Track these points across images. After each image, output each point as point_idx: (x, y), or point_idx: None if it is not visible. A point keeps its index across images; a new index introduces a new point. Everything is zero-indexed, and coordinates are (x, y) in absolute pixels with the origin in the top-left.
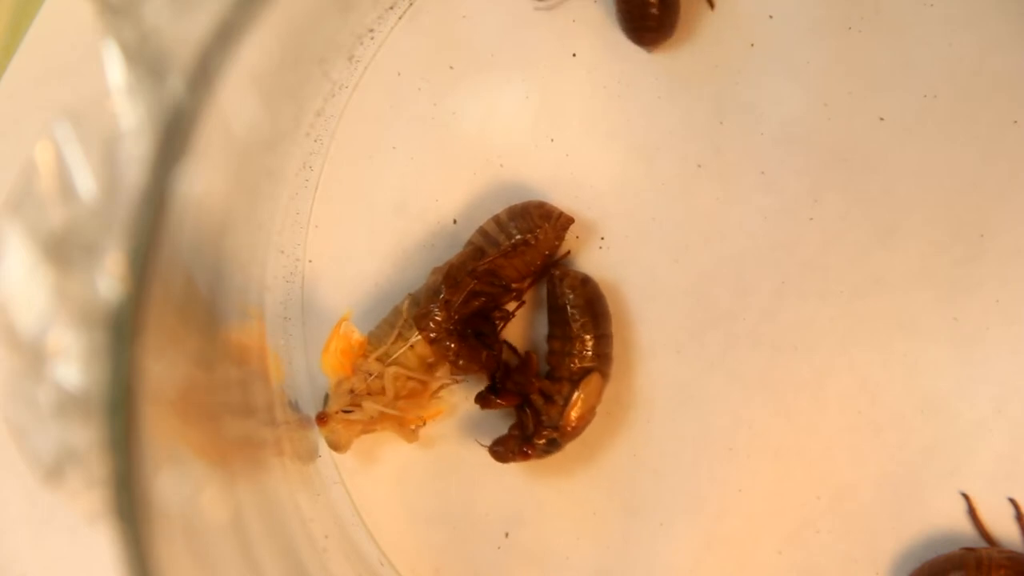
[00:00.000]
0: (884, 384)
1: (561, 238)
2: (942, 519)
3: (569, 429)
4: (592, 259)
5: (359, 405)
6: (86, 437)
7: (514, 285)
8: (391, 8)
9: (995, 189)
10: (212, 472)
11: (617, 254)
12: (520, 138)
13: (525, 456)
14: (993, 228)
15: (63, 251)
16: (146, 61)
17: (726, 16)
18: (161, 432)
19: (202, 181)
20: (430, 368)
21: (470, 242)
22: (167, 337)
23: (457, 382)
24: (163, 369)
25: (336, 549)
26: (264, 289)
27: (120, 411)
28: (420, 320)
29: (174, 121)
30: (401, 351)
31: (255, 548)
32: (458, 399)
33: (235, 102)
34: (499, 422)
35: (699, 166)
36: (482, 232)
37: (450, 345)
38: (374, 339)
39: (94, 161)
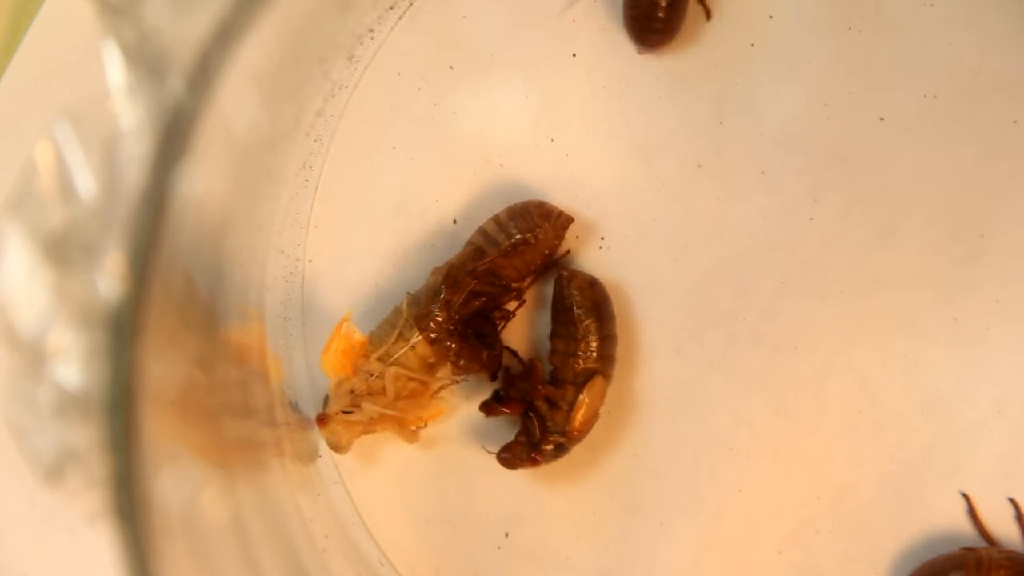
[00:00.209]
0: (884, 384)
1: (561, 237)
2: (942, 519)
3: (575, 434)
4: (592, 259)
5: (359, 406)
6: (86, 437)
7: (514, 285)
8: (391, 8)
9: (995, 189)
10: (212, 472)
11: (617, 254)
12: (520, 138)
13: (534, 463)
14: (993, 228)
15: (63, 251)
16: (146, 61)
17: (726, 16)
18: (161, 432)
19: (202, 181)
20: (431, 368)
21: (470, 242)
22: (167, 337)
23: (457, 382)
24: (163, 369)
25: (336, 549)
26: (264, 289)
27: (120, 411)
28: (421, 320)
29: (174, 121)
30: (402, 351)
31: (255, 548)
32: (458, 399)
33: (235, 102)
34: (502, 425)
35: (699, 166)
36: (482, 232)
37: (451, 345)
38: (375, 339)
39: (94, 161)
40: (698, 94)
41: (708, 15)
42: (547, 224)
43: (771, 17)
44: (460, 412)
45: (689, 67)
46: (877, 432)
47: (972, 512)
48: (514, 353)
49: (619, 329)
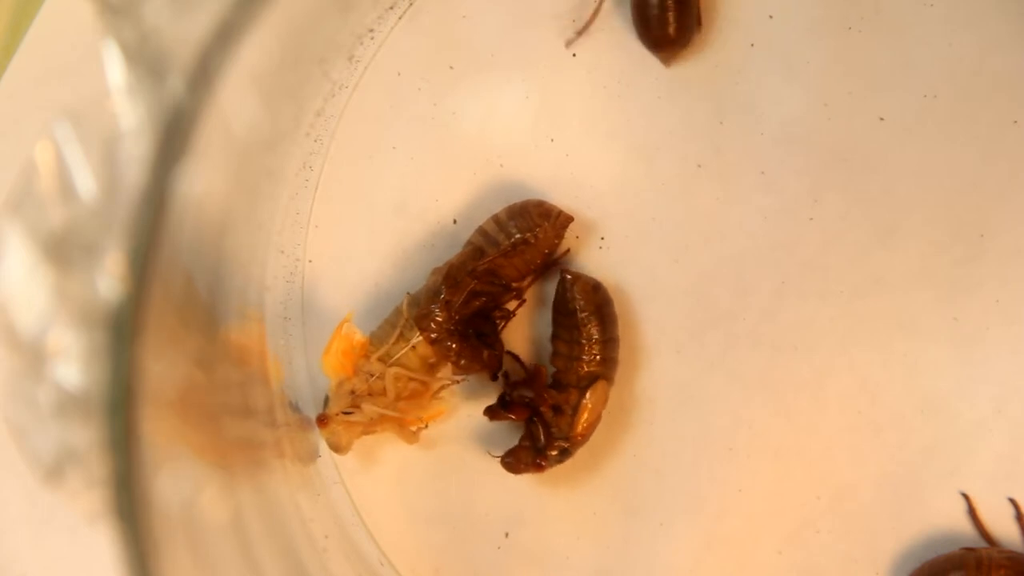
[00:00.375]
0: (884, 384)
1: (560, 236)
2: (942, 519)
3: (579, 438)
4: (592, 259)
5: (359, 406)
6: (86, 437)
7: (514, 284)
8: (391, 8)
9: (995, 189)
10: (212, 472)
11: (617, 254)
12: (520, 138)
13: (539, 468)
14: (993, 228)
15: (63, 251)
16: (146, 61)
17: (726, 16)
18: (161, 432)
19: (202, 181)
20: (432, 368)
21: (470, 242)
22: (167, 337)
23: (458, 382)
24: (163, 369)
25: (336, 549)
26: (264, 289)
27: (120, 411)
28: (421, 320)
29: (174, 121)
30: (403, 352)
31: (255, 548)
32: (459, 400)
33: (235, 102)
34: (503, 425)
35: (699, 166)
36: (482, 232)
37: (451, 345)
38: (375, 340)
39: (94, 161)
40: (698, 94)
41: (699, 25)
42: (546, 223)
43: (771, 17)
44: (460, 412)
45: (689, 67)
46: (877, 432)
47: (972, 512)
48: (516, 358)
49: (619, 330)
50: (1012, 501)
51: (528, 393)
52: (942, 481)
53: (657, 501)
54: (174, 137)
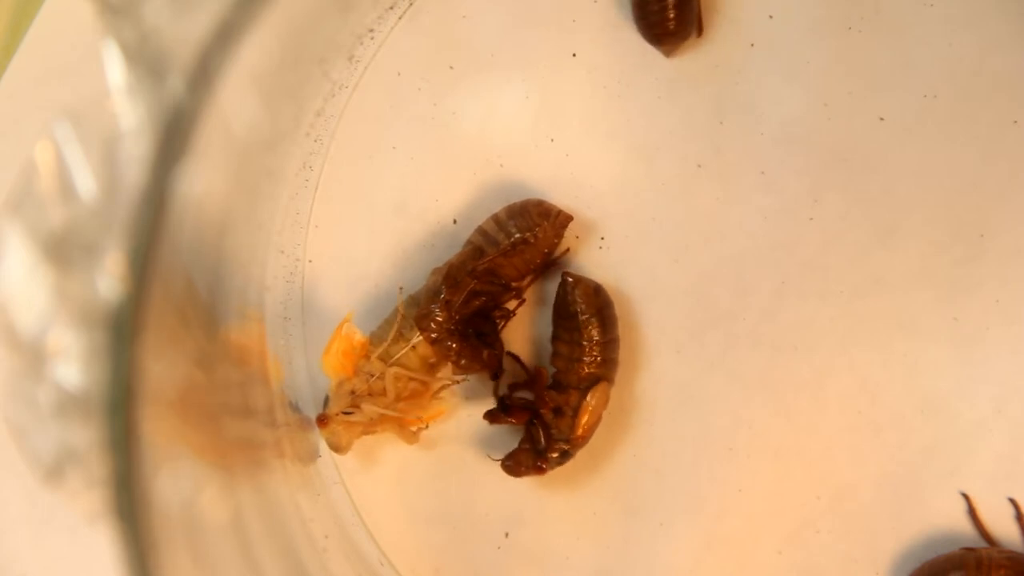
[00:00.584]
0: (884, 384)
1: (560, 236)
2: (942, 519)
3: (580, 440)
4: (592, 259)
5: (359, 406)
6: (86, 437)
7: (514, 284)
8: (391, 8)
9: (995, 189)
10: (212, 472)
11: (617, 254)
12: (520, 138)
13: (540, 471)
14: (993, 228)
15: (63, 251)
16: (146, 61)
17: (726, 16)
18: (161, 432)
19: (202, 181)
20: (432, 368)
21: (469, 241)
22: (167, 337)
23: (458, 382)
24: (163, 369)
25: (336, 549)
26: (264, 289)
27: (120, 411)
28: (421, 320)
29: (174, 121)
30: (403, 351)
31: (255, 548)
32: (459, 400)
33: (235, 102)
34: (504, 428)
35: (699, 166)
36: (481, 231)
37: (451, 345)
38: (375, 339)
39: (94, 161)
40: (698, 94)
41: (700, 32)
42: (546, 223)
43: (771, 17)
44: (460, 412)
45: (689, 67)
46: (877, 432)
47: (972, 512)
48: (517, 359)
49: (620, 330)
50: (1012, 501)
51: (528, 395)
52: (942, 481)
53: (657, 501)
54: (174, 137)
